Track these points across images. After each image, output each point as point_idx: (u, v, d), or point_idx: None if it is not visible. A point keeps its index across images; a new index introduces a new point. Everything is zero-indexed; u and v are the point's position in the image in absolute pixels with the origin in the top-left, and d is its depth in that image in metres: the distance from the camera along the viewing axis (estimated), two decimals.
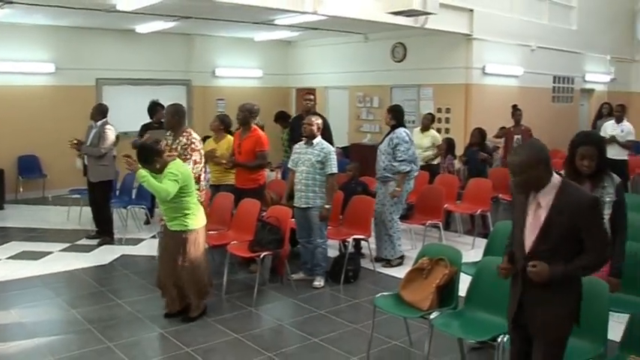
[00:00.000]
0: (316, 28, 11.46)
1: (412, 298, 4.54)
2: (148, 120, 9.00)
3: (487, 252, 5.19)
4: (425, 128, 9.57)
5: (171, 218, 5.26)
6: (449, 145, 9.68)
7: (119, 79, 12.29)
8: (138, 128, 9.04)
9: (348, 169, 7.93)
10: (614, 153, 9.31)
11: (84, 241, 8.20)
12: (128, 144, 8.41)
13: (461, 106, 11.69)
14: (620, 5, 15.74)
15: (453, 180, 8.87)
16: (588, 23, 14.33)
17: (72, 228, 8.95)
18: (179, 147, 5.98)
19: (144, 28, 11.49)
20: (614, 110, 10.60)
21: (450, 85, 11.81)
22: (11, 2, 8.78)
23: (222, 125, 7.61)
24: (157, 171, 5.11)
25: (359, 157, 10.11)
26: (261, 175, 7.16)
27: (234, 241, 6.26)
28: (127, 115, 10.65)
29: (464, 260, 4.68)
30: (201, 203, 5.65)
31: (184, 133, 6.07)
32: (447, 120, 11.92)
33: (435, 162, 9.50)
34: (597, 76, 15.21)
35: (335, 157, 6.39)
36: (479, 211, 8.32)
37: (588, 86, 15.20)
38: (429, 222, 7.69)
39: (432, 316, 4.26)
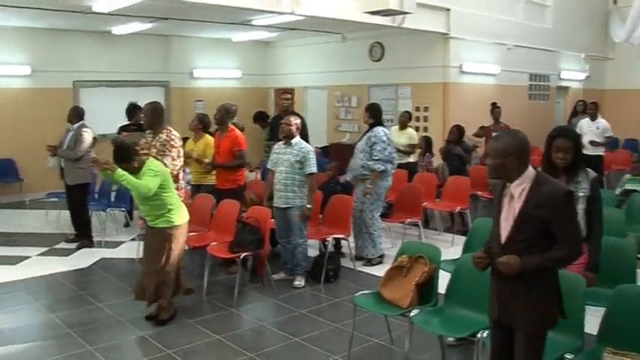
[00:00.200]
0: (294, 29, 11.44)
1: (392, 296, 4.56)
2: (125, 122, 8.96)
3: (466, 249, 5.23)
4: (402, 126, 9.62)
5: (155, 217, 5.22)
6: (427, 144, 9.74)
7: (96, 82, 12.18)
8: (115, 130, 9.02)
9: (328, 168, 7.96)
10: (590, 149, 9.50)
11: (62, 245, 8.12)
12: (105, 147, 8.34)
13: (439, 105, 11.75)
14: (594, 5, 15.93)
15: (431, 178, 8.93)
16: (563, 22, 14.48)
17: (50, 232, 8.86)
18: (158, 143, 5.96)
19: (121, 29, 11.39)
20: (587, 108, 10.77)
21: (428, 84, 11.86)
22: None
23: (201, 125, 7.59)
24: (135, 170, 5.07)
25: (338, 157, 10.11)
26: (240, 175, 7.16)
27: (214, 242, 6.25)
28: (105, 117, 10.60)
29: (443, 257, 4.72)
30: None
31: (164, 130, 6.06)
32: (426, 118, 11.97)
33: (412, 159, 9.55)
34: (572, 73, 15.38)
35: (314, 156, 6.39)
36: (458, 209, 8.38)
37: (564, 84, 15.36)
38: (409, 220, 7.73)
39: (412, 314, 4.28)
